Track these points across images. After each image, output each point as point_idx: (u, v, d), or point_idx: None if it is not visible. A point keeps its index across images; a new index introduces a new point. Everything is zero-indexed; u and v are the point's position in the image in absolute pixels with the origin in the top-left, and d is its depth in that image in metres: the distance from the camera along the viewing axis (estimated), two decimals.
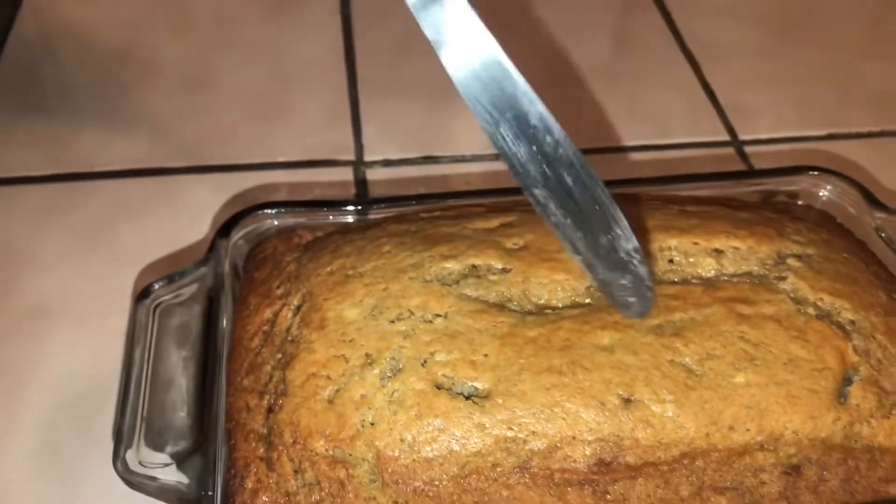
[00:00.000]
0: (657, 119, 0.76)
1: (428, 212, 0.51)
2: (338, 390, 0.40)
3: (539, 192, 0.37)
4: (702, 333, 0.41)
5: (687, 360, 0.40)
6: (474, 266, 0.44)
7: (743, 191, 0.56)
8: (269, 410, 0.41)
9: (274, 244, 0.50)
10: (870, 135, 0.78)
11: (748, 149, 0.74)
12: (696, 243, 0.46)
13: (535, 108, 0.35)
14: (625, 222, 0.37)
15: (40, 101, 0.74)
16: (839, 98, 0.80)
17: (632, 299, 0.40)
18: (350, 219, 0.52)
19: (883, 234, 0.53)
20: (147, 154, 0.70)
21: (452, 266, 0.44)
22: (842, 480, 0.40)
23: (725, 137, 0.75)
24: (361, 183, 0.67)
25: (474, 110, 0.35)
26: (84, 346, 0.55)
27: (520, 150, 0.36)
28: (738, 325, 0.42)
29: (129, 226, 0.62)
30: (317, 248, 0.48)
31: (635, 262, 0.39)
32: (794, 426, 0.40)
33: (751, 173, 0.64)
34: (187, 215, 0.63)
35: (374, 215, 0.52)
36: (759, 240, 0.46)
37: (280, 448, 0.40)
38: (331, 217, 0.52)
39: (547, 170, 0.36)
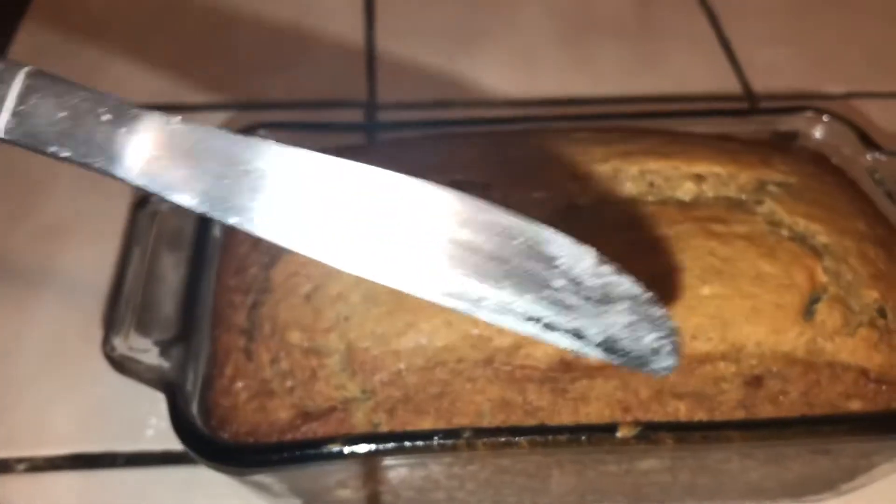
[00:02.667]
0: (674, 74, 0.77)
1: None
2: (316, 287, 0.42)
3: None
4: (673, 246, 0.42)
5: (654, 270, 0.41)
6: None
7: (741, 129, 0.57)
8: (252, 307, 0.43)
9: None
10: (890, 95, 0.77)
11: (764, 104, 0.74)
12: (676, 167, 0.47)
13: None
14: (563, 237, 0.23)
15: (69, 39, 0.77)
16: (862, 59, 0.80)
17: (647, 339, 0.24)
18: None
19: (876, 175, 0.53)
20: (169, 89, 0.72)
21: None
22: (801, 393, 0.40)
23: (740, 91, 0.75)
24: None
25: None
26: (93, 262, 0.58)
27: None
28: (709, 241, 0.42)
29: None
30: None
31: (607, 277, 0.24)
32: (758, 338, 0.40)
33: (746, 111, 0.65)
34: None
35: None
36: (741, 167, 0.47)
37: (259, 340, 0.42)
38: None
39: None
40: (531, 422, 0.39)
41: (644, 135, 0.51)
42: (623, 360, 0.24)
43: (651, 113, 0.57)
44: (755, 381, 0.40)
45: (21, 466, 0.49)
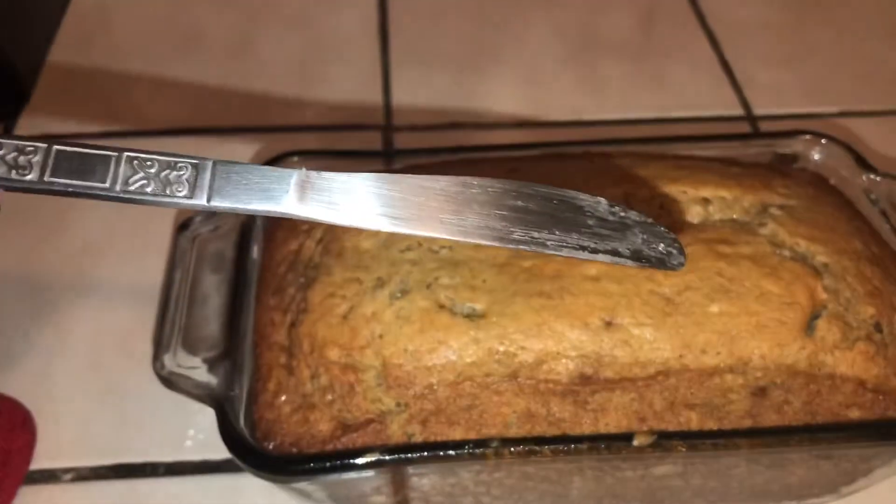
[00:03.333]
0: (677, 93, 0.80)
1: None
2: (352, 307, 0.45)
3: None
4: (681, 268, 0.45)
5: (666, 290, 0.45)
6: None
7: (743, 152, 0.60)
8: (291, 325, 0.46)
9: None
10: (882, 113, 0.80)
11: (762, 124, 0.78)
12: (684, 192, 0.50)
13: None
14: (581, 194, 0.34)
15: (95, 65, 0.80)
16: (855, 78, 0.83)
17: (659, 247, 0.34)
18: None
19: (872, 196, 0.56)
20: (190, 115, 0.75)
21: None
22: (804, 403, 0.44)
23: (741, 112, 0.79)
24: (388, 147, 0.72)
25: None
26: (130, 279, 0.61)
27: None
28: (716, 262, 0.46)
29: None
30: None
31: (620, 213, 0.34)
32: (762, 352, 0.44)
33: (748, 135, 0.68)
34: None
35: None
36: (745, 190, 0.50)
37: (299, 356, 0.45)
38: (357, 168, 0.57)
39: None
40: (555, 432, 0.43)
41: (652, 160, 0.54)
42: (650, 264, 0.34)
43: (658, 138, 0.60)
44: (761, 392, 0.44)
45: (67, 476, 0.52)
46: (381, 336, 0.44)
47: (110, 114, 0.75)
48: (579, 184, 0.49)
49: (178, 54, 0.82)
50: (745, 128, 0.77)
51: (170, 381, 0.44)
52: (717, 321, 0.44)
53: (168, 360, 0.44)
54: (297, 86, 0.79)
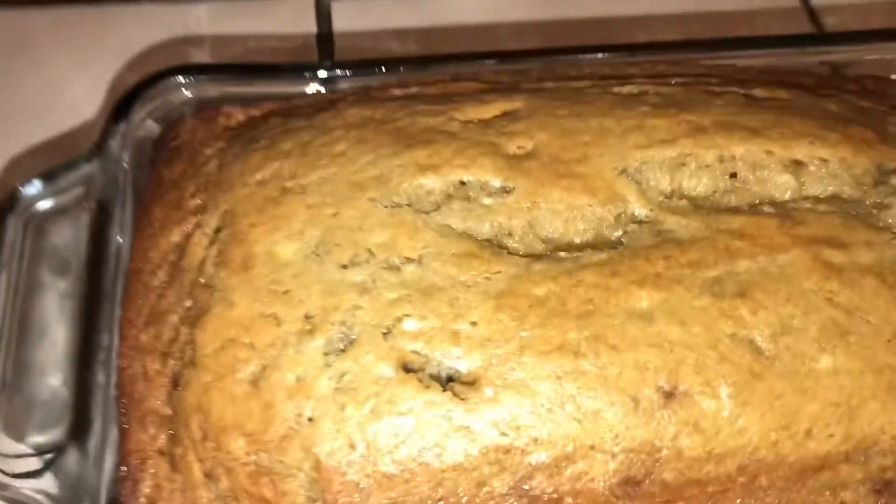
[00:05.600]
0: None
1: (402, 86, 0.38)
2: (264, 368, 0.28)
3: None
4: (776, 294, 0.30)
5: (755, 334, 0.29)
6: (462, 183, 0.32)
7: (811, 60, 0.43)
8: (175, 384, 0.30)
9: (191, 127, 0.37)
10: None
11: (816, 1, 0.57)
12: (769, 152, 0.33)
13: None
14: None
15: None
16: None
17: None
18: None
19: None
20: None
21: (432, 183, 0.32)
22: None
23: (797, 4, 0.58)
24: (325, 20, 0.52)
25: None
26: None
27: None
28: (826, 282, 0.30)
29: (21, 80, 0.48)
30: (247, 139, 0.35)
31: None
32: (895, 430, 0.29)
33: (827, 36, 0.50)
34: (101, 63, 0.48)
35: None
36: (855, 148, 0.34)
37: (186, 442, 0.29)
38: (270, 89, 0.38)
39: None
40: None
41: (708, 84, 0.37)
42: None
43: (701, 42, 0.42)
44: (886, 489, 0.29)
45: None
46: (311, 420, 0.28)
47: None
48: (611, 144, 0.32)
49: None
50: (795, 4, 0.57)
51: None
52: (830, 384, 0.29)
53: None
54: None
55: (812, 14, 0.55)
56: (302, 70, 0.38)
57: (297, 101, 0.38)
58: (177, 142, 0.37)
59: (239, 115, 0.38)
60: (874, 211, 0.33)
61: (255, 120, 0.37)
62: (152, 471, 0.29)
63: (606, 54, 0.40)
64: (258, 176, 0.33)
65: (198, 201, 0.34)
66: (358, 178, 0.32)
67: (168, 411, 0.30)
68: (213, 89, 0.38)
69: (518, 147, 0.33)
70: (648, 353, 0.28)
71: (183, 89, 0.38)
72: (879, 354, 0.29)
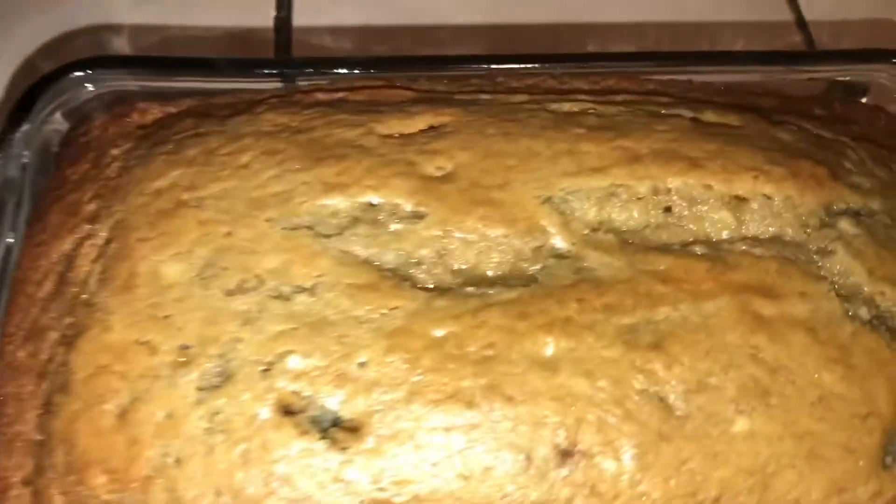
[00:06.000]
0: None
1: (329, 91, 0.35)
2: (134, 400, 0.26)
3: None
4: (695, 347, 0.27)
5: (667, 391, 0.27)
6: (372, 205, 0.30)
7: (795, 78, 0.40)
8: (47, 408, 0.28)
9: (102, 124, 0.35)
10: None
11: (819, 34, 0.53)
12: (708, 186, 0.31)
13: None
14: None
15: None
16: None
17: None
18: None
19: None
20: None
21: (338, 203, 0.29)
22: None
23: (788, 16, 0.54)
24: (270, 11, 0.49)
25: None
26: None
27: None
28: (752, 336, 0.28)
29: None
30: (155, 141, 0.33)
31: None
32: (814, 499, 0.27)
33: (802, 56, 0.47)
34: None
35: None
36: (802, 185, 0.31)
37: (50, 474, 0.27)
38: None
39: None
40: None
41: (652, 104, 0.34)
42: None
43: (672, 54, 0.40)
44: None
45: None
46: (177, 461, 0.26)
47: None
48: (533, 169, 0.30)
49: None
50: (794, 39, 0.53)
51: None
52: (745, 449, 0.27)
53: None
54: None
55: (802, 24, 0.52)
56: (213, 65, 0.35)
57: (217, 100, 0.36)
58: (85, 139, 0.34)
59: (155, 112, 0.35)
60: (815, 257, 0.30)
61: (171, 119, 0.35)
62: (14, 500, 0.27)
63: (545, 64, 0.37)
64: (157, 184, 0.31)
65: (93, 207, 0.31)
66: (259, 193, 0.30)
67: (38, 437, 0.28)
68: (130, 82, 0.36)
69: (437, 168, 0.31)
70: (548, 407, 0.26)
71: (86, 84, 0.35)
72: (802, 419, 0.27)
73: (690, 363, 0.27)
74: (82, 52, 0.36)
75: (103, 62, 0.35)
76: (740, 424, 0.27)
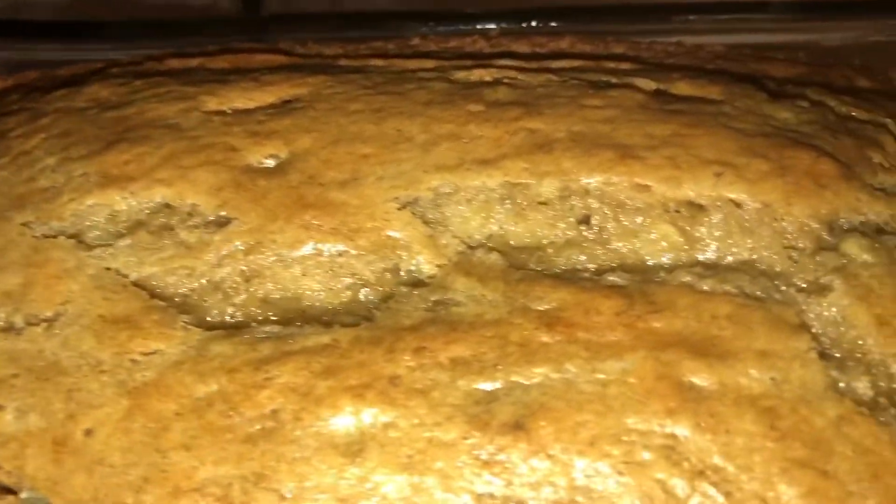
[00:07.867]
0: None
1: (184, 57, 0.28)
2: None
3: None
4: (576, 431, 0.18)
5: (524, 498, 0.18)
6: (168, 206, 0.22)
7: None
8: None
9: None
10: None
11: None
12: (645, 187, 0.21)
13: None
14: None
15: None
16: None
17: None
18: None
19: None
20: None
21: (116, 202, 0.22)
22: None
23: None
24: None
25: None
26: None
27: None
28: (670, 417, 0.18)
29: None
30: None
31: None
32: None
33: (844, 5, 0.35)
34: None
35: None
36: (790, 188, 0.21)
37: None
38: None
39: None
40: None
41: (589, 85, 0.25)
42: None
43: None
44: None
45: None
46: None
47: None
48: (404, 161, 0.21)
49: None
50: None
51: None
52: None
53: None
54: None
55: None
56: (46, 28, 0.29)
57: (63, 71, 0.29)
58: None
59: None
60: (799, 297, 0.20)
61: (4, 92, 0.28)
62: None
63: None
64: None
65: None
66: (26, 189, 0.23)
67: None
68: None
69: (268, 156, 0.23)
70: None
71: None
72: None
73: (564, 456, 0.18)
74: None
75: None
76: None
